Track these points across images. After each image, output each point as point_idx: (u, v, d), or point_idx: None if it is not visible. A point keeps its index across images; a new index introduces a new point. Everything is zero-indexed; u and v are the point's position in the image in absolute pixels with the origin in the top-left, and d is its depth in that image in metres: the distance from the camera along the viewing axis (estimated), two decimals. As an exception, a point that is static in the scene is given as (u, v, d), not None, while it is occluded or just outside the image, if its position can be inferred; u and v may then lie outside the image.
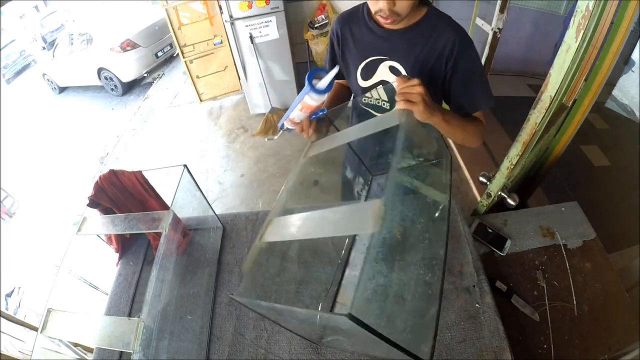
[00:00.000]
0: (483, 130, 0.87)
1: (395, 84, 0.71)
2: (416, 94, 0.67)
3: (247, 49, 2.95)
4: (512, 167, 0.95)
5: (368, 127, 0.79)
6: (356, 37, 0.91)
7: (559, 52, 0.71)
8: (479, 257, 0.90)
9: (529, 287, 0.94)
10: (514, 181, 1.11)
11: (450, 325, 0.79)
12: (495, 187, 1.03)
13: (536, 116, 0.82)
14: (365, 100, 0.99)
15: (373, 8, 0.78)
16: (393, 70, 0.88)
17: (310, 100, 0.73)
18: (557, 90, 0.75)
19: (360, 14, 0.90)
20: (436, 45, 0.82)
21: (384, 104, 0.97)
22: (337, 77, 0.86)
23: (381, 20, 0.80)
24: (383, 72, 0.90)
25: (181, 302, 0.83)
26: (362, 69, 0.92)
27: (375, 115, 1.00)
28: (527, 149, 0.91)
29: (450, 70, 0.83)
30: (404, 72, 0.87)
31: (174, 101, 4.26)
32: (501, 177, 1.00)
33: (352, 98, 1.06)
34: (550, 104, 0.78)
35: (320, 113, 0.80)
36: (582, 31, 0.65)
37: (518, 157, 0.92)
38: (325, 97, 0.74)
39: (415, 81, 0.68)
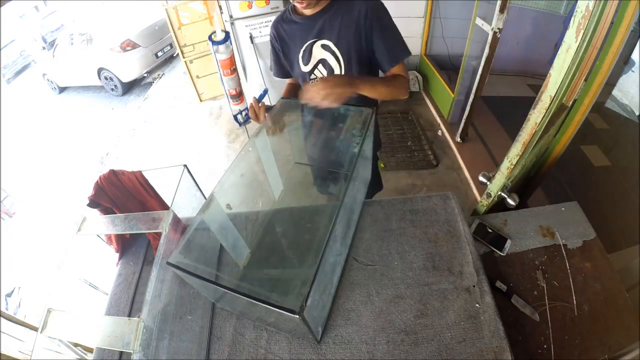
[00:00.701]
0: (406, 82, 1.01)
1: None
2: (320, 97, 0.81)
3: (247, 49, 2.95)
4: (512, 167, 0.95)
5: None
6: (288, 32, 1.03)
7: (559, 52, 0.71)
8: (479, 257, 0.90)
9: (529, 287, 0.94)
10: (514, 181, 1.11)
11: (451, 325, 0.79)
12: (495, 187, 1.03)
13: (536, 116, 0.82)
14: (312, 81, 1.07)
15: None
16: (325, 47, 1.00)
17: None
18: (557, 90, 0.75)
19: (287, 14, 1.03)
20: (352, 15, 0.94)
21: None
22: (284, 76, 1.16)
23: (299, 7, 0.94)
24: (318, 52, 1.02)
25: (181, 302, 0.83)
26: (302, 56, 1.04)
27: None
28: (527, 149, 0.91)
29: (369, 33, 0.94)
30: (332, 46, 0.99)
31: (174, 101, 4.26)
32: (501, 177, 1.00)
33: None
34: (550, 104, 0.78)
35: (263, 93, 0.94)
36: (582, 31, 0.65)
37: (518, 157, 0.92)
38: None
39: (311, 89, 0.83)
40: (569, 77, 0.84)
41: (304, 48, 1.02)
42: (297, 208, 1.11)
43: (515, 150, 0.92)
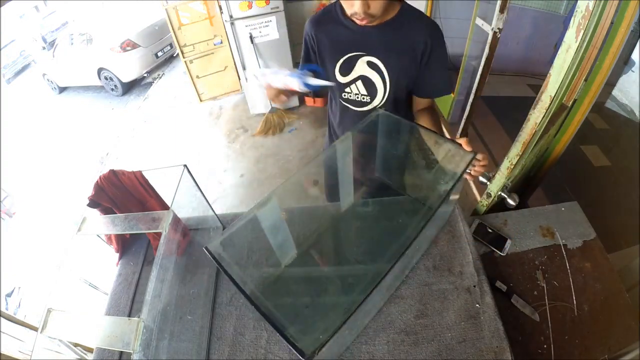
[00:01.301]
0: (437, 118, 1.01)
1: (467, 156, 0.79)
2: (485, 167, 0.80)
3: (247, 49, 2.95)
4: (512, 167, 0.95)
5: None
6: (332, 36, 0.94)
7: (559, 52, 0.71)
8: (479, 257, 0.90)
9: (529, 287, 0.94)
10: (514, 181, 1.11)
11: (451, 326, 0.79)
12: (495, 187, 1.03)
13: (536, 116, 0.82)
14: (345, 95, 1.03)
15: (348, 10, 0.81)
16: (371, 65, 0.94)
17: (294, 84, 0.83)
18: (557, 90, 0.75)
19: (333, 13, 0.93)
20: (410, 40, 0.89)
21: (364, 98, 1.01)
22: (317, 77, 0.98)
23: (357, 22, 0.85)
24: (361, 67, 0.95)
25: (181, 302, 0.83)
26: (341, 66, 0.96)
27: (355, 110, 1.06)
28: (527, 149, 0.91)
29: (423, 62, 0.92)
30: (381, 66, 0.93)
31: (174, 101, 4.26)
32: (501, 177, 1.00)
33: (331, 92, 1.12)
34: (550, 104, 0.78)
35: (307, 88, 0.86)
36: (582, 31, 0.65)
37: (518, 157, 0.92)
38: (305, 90, 0.84)
39: (486, 160, 0.80)
40: (569, 77, 0.84)
41: (345, 58, 0.95)
42: (360, 227, 1.00)
43: (515, 150, 0.92)
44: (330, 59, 0.97)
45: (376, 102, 1.01)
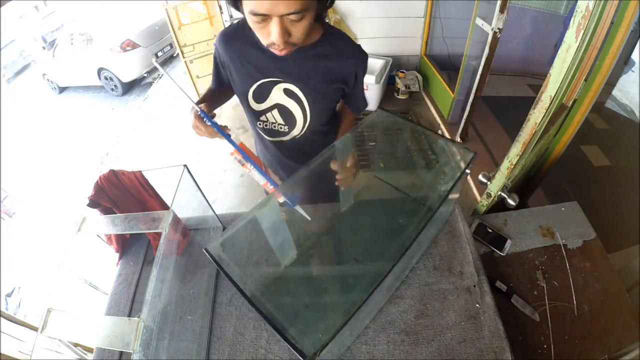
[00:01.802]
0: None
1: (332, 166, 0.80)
2: (352, 177, 0.80)
3: (247, 49, 2.95)
4: (512, 167, 0.95)
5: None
6: (245, 57, 0.82)
7: (559, 52, 0.71)
8: (479, 257, 0.90)
9: (529, 287, 0.94)
10: (514, 181, 1.11)
11: (451, 326, 0.79)
12: (495, 187, 1.03)
13: (536, 116, 0.82)
14: (260, 124, 0.95)
15: (264, 40, 0.69)
16: (288, 93, 0.85)
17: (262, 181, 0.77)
18: (557, 90, 0.75)
19: (246, 31, 0.77)
20: (338, 70, 0.82)
21: (281, 128, 0.93)
22: (220, 87, 0.97)
23: (275, 52, 0.71)
24: (277, 95, 0.86)
25: (181, 302, 0.83)
26: (254, 92, 0.86)
27: (272, 141, 0.99)
28: (527, 149, 0.91)
29: (348, 88, 0.87)
30: (300, 94, 0.85)
31: (174, 101, 4.26)
32: (501, 177, 1.00)
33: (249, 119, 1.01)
34: (550, 104, 0.78)
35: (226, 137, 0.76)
36: (582, 31, 0.65)
37: (518, 157, 0.93)
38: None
39: (353, 169, 0.80)
40: (569, 77, 0.84)
41: (259, 83, 0.84)
42: (359, 227, 0.98)
43: (515, 150, 0.92)
44: (243, 83, 0.86)
45: (295, 132, 0.93)
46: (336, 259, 0.95)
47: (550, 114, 0.88)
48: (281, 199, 0.74)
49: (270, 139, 0.98)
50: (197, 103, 0.77)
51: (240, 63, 0.83)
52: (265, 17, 0.61)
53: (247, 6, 0.62)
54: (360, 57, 0.83)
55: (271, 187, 0.74)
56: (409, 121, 0.97)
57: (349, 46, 0.82)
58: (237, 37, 0.82)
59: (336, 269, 0.92)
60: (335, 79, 0.83)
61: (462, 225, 0.96)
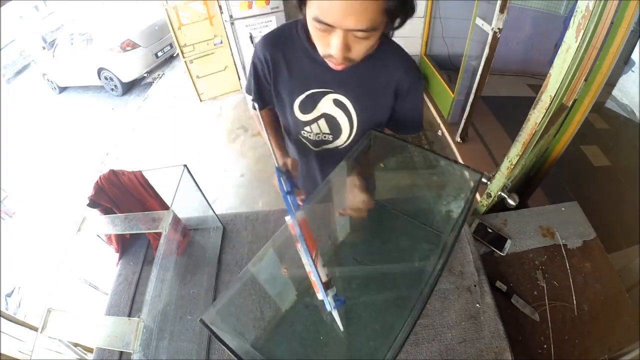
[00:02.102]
0: None
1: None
2: (365, 210, 0.71)
3: (247, 49, 2.95)
4: (512, 167, 0.95)
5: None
6: (292, 65, 0.77)
7: (559, 52, 0.71)
8: (479, 257, 0.90)
9: (529, 287, 0.94)
10: (514, 181, 1.11)
11: (452, 326, 0.79)
12: (495, 187, 1.03)
13: (536, 116, 0.82)
14: (303, 133, 0.89)
15: (321, 50, 0.64)
16: (337, 103, 0.81)
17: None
18: (557, 90, 0.75)
19: (295, 37, 0.75)
20: (387, 79, 0.78)
21: (325, 137, 0.89)
22: (263, 103, 0.87)
23: (331, 64, 0.68)
24: (326, 105, 0.81)
25: (181, 302, 0.83)
26: (302, 102, 0.81)
27: (313, 150, 0.92)
28: (527, 149, 0.91)
29: (399, 104, 0.83)
30: (350, 105, 0.80)
31: (174, 101, 4.26)
32: (501, 177, 1.00)
33: (284, 128, 0.95)
34: (550, 104, 0.78)
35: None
36: (582, 31, 0.65)
37: (518, 157, 0.92)
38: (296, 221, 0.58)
39: (367, 200, 0.72)
40: (569, 77, 0.84)
41: (308, 94, 0.79)
42: (358, 258, 0.87)
43: (515, 150, 0.92)
44: (289, 92, 0.80)
45: (339, 142, 0.89)
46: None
47: (550, 114, 0.88)
48: (320, 295, 0.61)
49: (313, 147, 0.93)
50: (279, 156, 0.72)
51: (287, 72, 0.77)
52: (329, 27, 0.57)
53: (312, 11, 0.56)
54: (410, 65, 0.79)
55: (313, 278, 0.60)
56: (406, 142, 0.87)
57: (399, 54, 0.78)
58: (283, 43, 0.76)
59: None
60: (383, 88, 0.79)
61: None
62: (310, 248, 0.57)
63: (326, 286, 0.59)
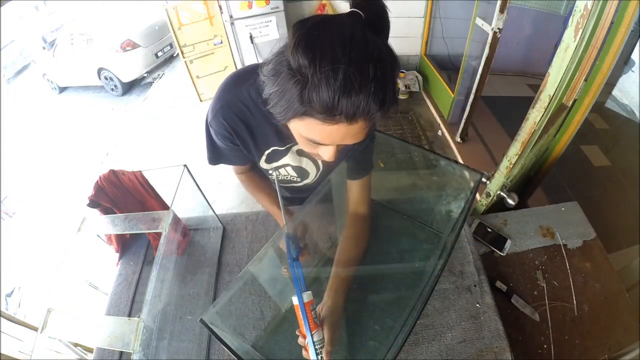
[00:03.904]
0: (368, 227, 0.83)
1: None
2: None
3: (247, 49, 2.95)
4: (511, 166, 0.95)
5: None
6: (253, 129, 0.74)
7: (557, 52, 0.71)
8: (479, 257, 0.90)
9: (529, 287, 0.94)
10: (514, 181, 1.11)
11: (452, 326, 0.79)
12: (494, 186, 1.03)
13: (535, 115, 0.82)
14: (272, 177, 0.90)
15: (307, 150, 0.62)
16: (301, 152, 0.82)
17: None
18: (556, 90, 0.75)
19: (249, 104, 0.70)
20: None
21: (293, 179, 0.91)
22: (238, 164, 0.87)
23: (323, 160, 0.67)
24: (291, 156, 0.82)
25: (181, 302, 0.83)
26: (267, 156, 0.82)
27: (282, 186, 0.94)
28: (527, 148, 0.91)
29: (356, 148, 0.78)
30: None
31: (174, 101, 4.26)
32: (500, 176, 1.00)
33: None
34: (549, 103, 0.78)
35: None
36: (581, 30, 0.65)
37: (517, 157, 0.92)
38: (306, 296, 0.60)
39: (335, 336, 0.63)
40: (568, 77, 0.84)
41: (273, 149, 0.80)
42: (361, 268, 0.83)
43: (515, 150, 0.92)
44: (255, 150, 0.80)
45: (308, 181, 0.92)
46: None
47: (550, 114, 0.88)
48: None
49: (281, 185, 0.95)
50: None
51: (250, 136, 0.76)
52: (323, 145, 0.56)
53: (306, 132, 0.53)
54: (374, 126, 0.79)
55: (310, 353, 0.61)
56: (406, 142, 0.88)
57: None
58: (240, 112, 0.71)
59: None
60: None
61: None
62: (311, 328, 0.59)
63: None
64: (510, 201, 1.00)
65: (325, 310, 0.65)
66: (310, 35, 0.45)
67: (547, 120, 0.89)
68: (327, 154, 0.57)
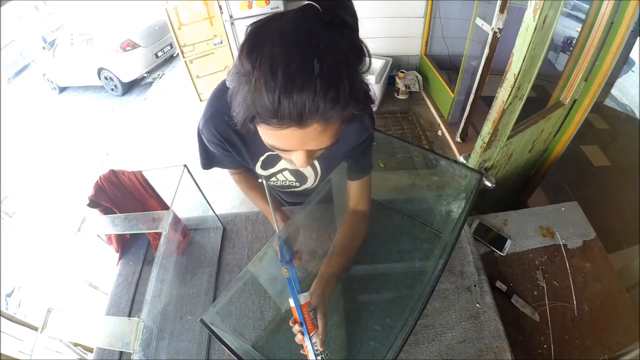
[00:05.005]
0: (366, 223, 0.81)
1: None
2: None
3: (247, 49, 2.95)
4: (484, 145, 0.99)
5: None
6: (244, 134, 0.71)
7: (519, 32, 0.79)
8: (479, 257, 0.90)
9: (529, 287, 0.94)
10: (502, 169, 1.12)
11: (452, 326, 0.79)
12: (471, 165, 1.05)
13: (503, 94, 0.87)
14: (270, 183, 0.89)
15: (282, 156, 0.58)
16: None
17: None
18: (520, 68, 0.81)
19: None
20: (349, 142, 0.74)
21: (292, 184, 0.89)
22: (231, 168, 0.86)
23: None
24: (285, 161, 0.77)
25: (181, 302, 0.83)
26: (263, 162, 0.80)
27: (282, 192, 0.96)
28: (498, 128, 0.94)
29: (355, 149, 0.77)
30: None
31: (174, 101, 4.26)
32: (476, 155, 1.03)
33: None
34: (515, 82, 0.84)
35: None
36: (539, 11, 0.72)
37: (489, 135, 0.96)
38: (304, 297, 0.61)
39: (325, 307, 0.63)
40: (530, 55, 0.87)
41: (268, 154, 0.77)
42: (358, 258, 0.83)
43: (487, 129, 0.95)
44: (250, 157, 0.79)
45: (307, 185, 0.89)
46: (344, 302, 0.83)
47: (516, 91, 0.92)
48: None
49: (281, 190, 0.94)
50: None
51: (242, 143, 0.74)
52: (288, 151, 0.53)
53: (266, 139, 0.51)
54: (371, 126, 0.76)
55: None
56: (406, 142, 0.87)
57: (365, 119, 0.74)
58: (233, 121, 0.63)
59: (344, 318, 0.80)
60: (346, 147, 0.76)
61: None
62: (309, 330, 0.59)
63: None
64: (487, 183, 0.99)
65: (315, 298, 0.63)
66: (255, 36, 0.42)
67: (514, 97, 0.92)
68: (297, 159, 0.53)
